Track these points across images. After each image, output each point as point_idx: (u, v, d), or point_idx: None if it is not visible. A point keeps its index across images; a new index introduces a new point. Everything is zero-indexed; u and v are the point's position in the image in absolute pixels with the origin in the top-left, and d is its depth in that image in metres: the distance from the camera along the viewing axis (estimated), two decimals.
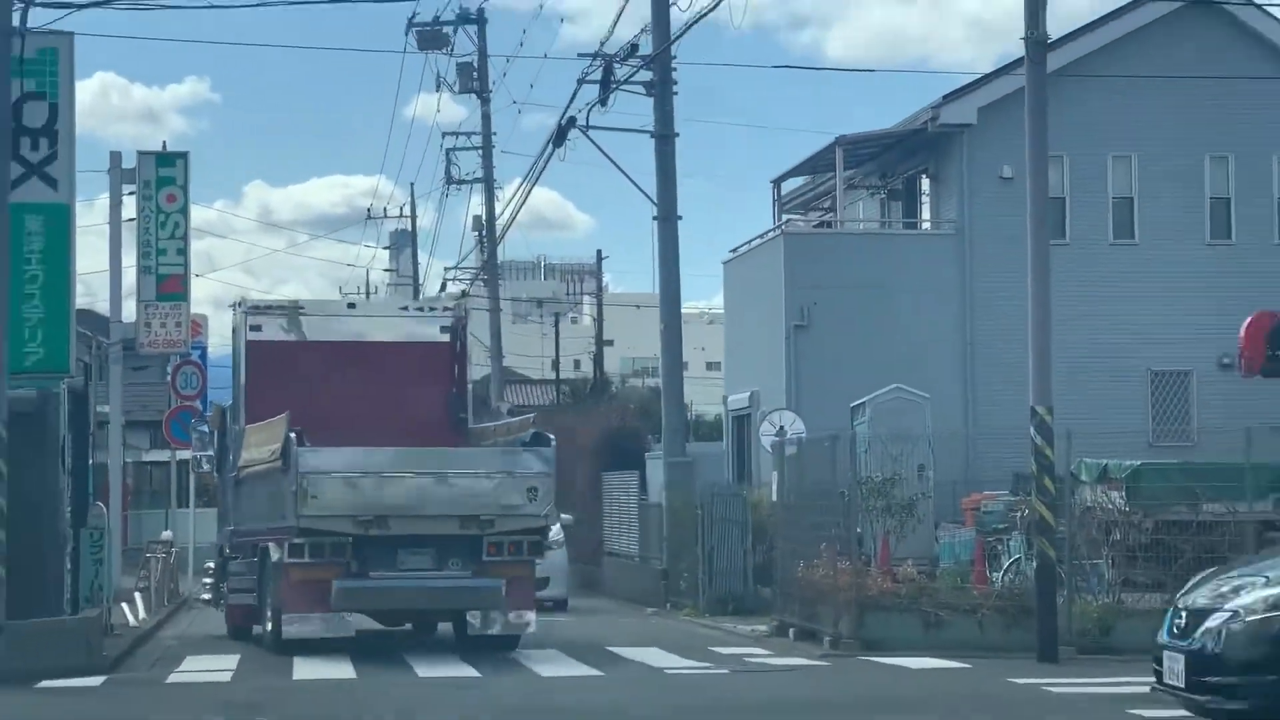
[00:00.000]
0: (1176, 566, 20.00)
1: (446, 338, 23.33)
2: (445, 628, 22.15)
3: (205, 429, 26.28)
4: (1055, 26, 22.88)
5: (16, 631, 18.25)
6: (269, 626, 20.87)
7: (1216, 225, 33.19)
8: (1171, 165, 32.77)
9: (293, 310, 23.49)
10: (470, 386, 24.48)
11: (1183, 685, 12.01)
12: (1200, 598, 12.48)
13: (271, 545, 20.79)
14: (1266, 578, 12.19)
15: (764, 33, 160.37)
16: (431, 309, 26.31)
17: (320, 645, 19.91)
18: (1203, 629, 11.90)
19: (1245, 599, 11.94)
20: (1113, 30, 32.51)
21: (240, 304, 23.93)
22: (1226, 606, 11.98)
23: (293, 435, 19.66)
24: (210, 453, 25.33)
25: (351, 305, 25.61)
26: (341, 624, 20.47)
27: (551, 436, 21.64)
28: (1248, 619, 11.69)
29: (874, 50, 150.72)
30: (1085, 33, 32.51)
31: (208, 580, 25.25)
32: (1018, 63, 23.09)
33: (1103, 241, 32.57)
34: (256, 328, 22.90)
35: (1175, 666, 12.10)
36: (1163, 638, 12.39)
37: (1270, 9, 33.35)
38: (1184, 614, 12.31)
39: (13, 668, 17.66)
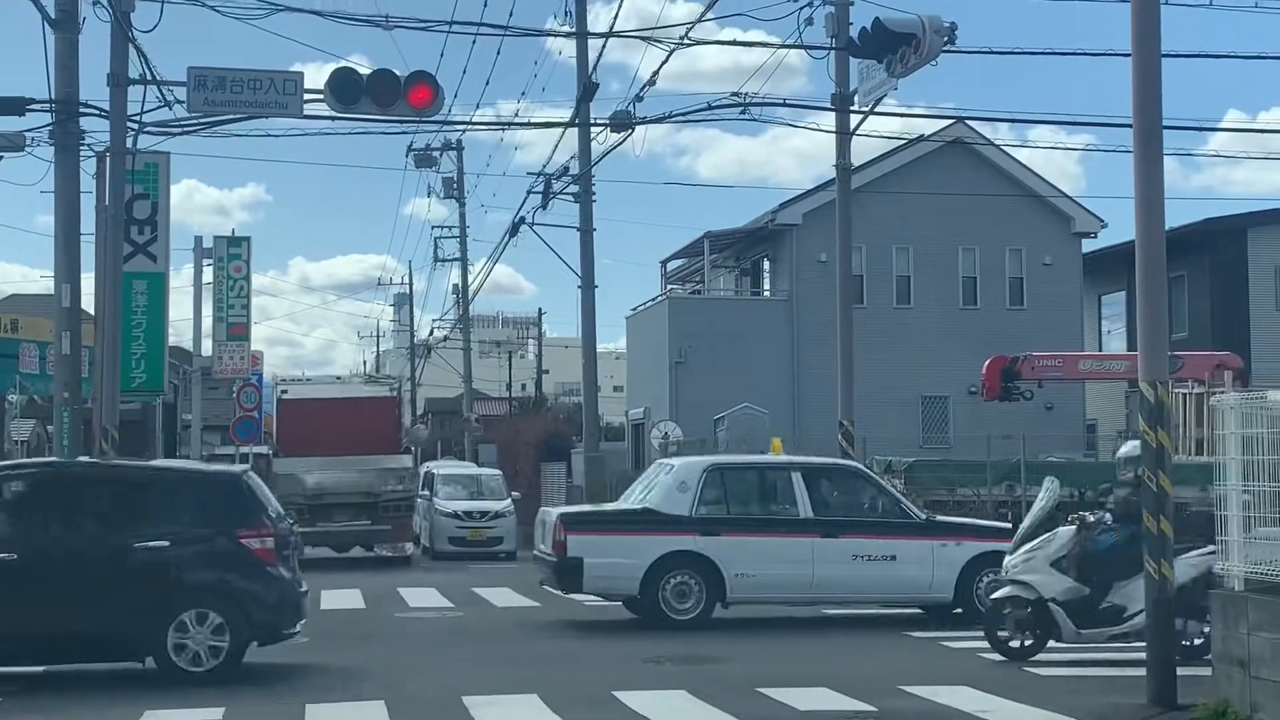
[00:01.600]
0: None
1: (391, 395, 28.46)
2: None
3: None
4: (857, 157, 23.07)
5: None
6: None
7: (966, 296, 33.56)
8: (936, 254, 33.12)
9: (304, 382, 29.23)
10: (402, 421, 30.36)
11: None
12: None
13: None
14: None
15: (655, 158, 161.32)
16: (382, 380, 35.15)
17: (340, 584, 20.48)
18: None
19: None
20: (897, 160, 32.84)
21: (275, 378, 30.43)
22: None
23: (270, 453, 25.59)
24: None
25: (339, 378, 32.47)
26: (305, 550, 25.01)
27: (411, 449, 29.24)
28: None
29: (730, 171, 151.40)
30: (878, 161, 32.81)
31: None
32: (830, 182, 23.25)
33: (889, 307, 32.85)
34: (285, 391, 27.59)
35: None
36: None
37: (1005, 149, 33.91)
38: None
39: None
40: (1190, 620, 11.69)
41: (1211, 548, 11.01)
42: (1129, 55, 10.28)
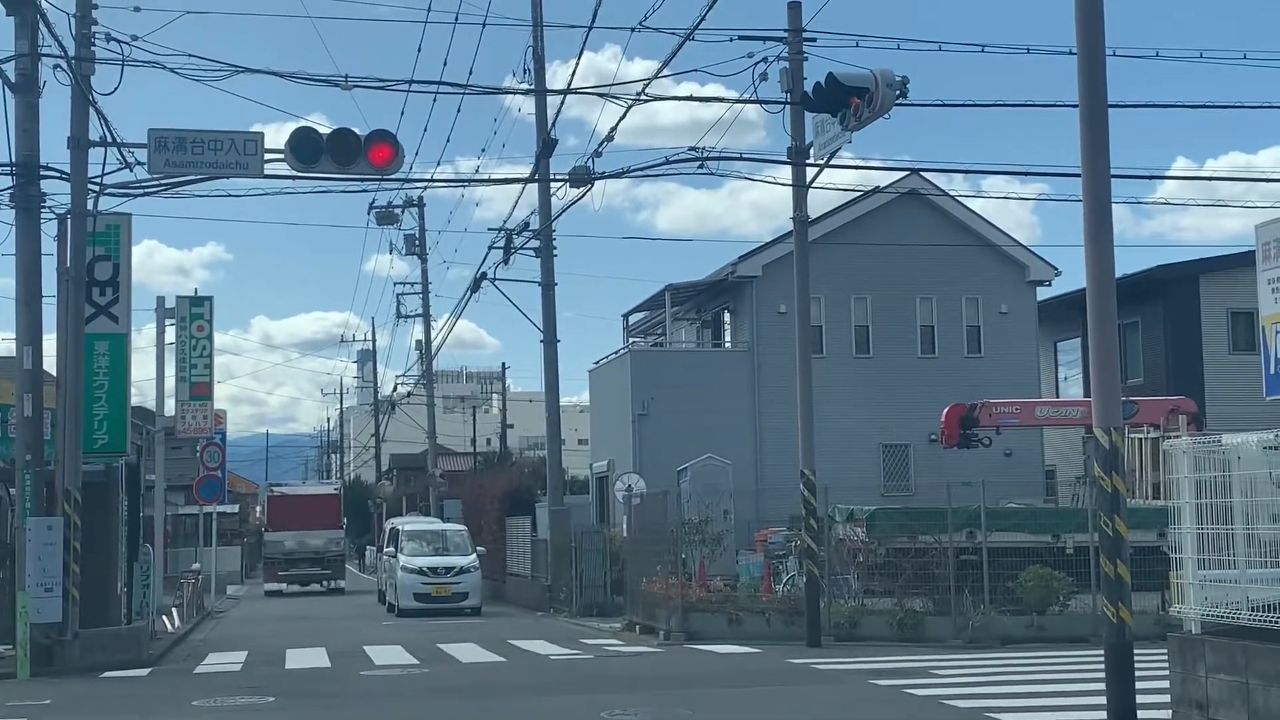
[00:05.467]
0: (901, 579, 20.15)
1: (336, 492, 45.17)
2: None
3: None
4: (814, 209, 23.14)
5: (87, 636, 17.78)
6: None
7: (925, 344, 33.70)
8: (894, 303, 33.29)
9: (284, 486, 45.29)
10: (342, 507, 43.47)
11: None
12: None
13: (265, 561, 42.51)
14: None
15: (615, 213, 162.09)
16: (331, 482, 58.24)
17: (306, 642, 20.31)
18: None
19: None
20: (854, 211, 33.03)
21: (266, 485, 47.79)
22: None
23: (264, 528, 42.67)
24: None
25: (305, 480, 51.83)
26: (281, 587, 40.60)
27: (344, 522, 43.96)
28: None
29: (689, 224, 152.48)
30: (835, 213, 32.99)
31: None
32: (789, 234, 23.32)
33: (848, 356, 32.94)
34: (271, 490, 43.86)
35: None
36: None
37: (960, 200, 34.20)
38: None
39: (84, 662, 17.24)
40: None
41: None
42: (1077, 106, 10.38)
